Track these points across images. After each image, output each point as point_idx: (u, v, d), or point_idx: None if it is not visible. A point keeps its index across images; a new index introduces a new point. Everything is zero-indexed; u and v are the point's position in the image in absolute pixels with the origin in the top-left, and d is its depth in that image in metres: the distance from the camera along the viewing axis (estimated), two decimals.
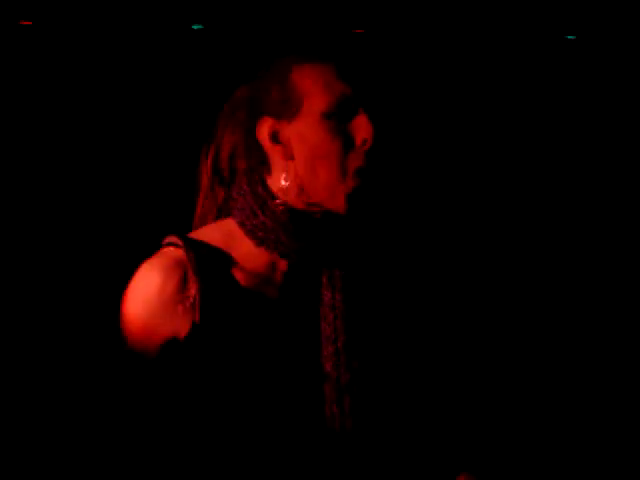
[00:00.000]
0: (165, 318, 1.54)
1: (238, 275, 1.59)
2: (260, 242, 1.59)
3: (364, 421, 1.57)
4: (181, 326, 1.54)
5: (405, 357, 1.65)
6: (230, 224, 1.64)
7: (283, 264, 1.60)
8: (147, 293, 1.55)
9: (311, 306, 1.59)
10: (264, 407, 1.54)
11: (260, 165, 1.64)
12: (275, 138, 1.60)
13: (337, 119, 1.56)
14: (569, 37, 2.94)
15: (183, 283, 1.55)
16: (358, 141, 1.56)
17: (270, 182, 1.62)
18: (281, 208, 1.59)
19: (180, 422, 1.55)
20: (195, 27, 2.76)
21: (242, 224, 1.61)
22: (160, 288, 1.55)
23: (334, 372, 1.56)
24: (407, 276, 1.70)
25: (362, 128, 1.55)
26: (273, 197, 1.60)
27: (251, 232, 1.60)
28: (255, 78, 1.67)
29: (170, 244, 1.60)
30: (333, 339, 1.57)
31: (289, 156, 1.59)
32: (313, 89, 1.56)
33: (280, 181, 1.60)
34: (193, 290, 1.55)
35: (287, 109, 1.58)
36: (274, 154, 1.61)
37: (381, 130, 1.56)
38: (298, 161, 1.58)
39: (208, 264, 1.56)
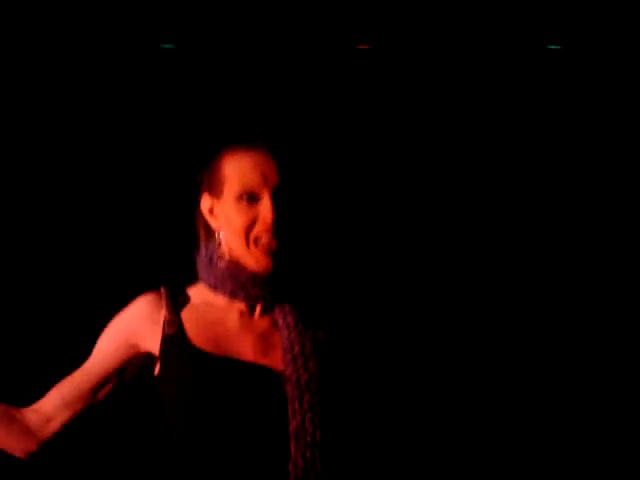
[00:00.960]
0: (140, 319, 2.02)
1: (202, 314, 2.02)
2: (213, 288, 2.01)
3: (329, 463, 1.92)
4: (148, 342, 2.01)
5: (363, 385, 2.00)
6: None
7: (241, 305, 2.00)
8: (128, 307, 2.04)
9: (268, 341, 2.00)
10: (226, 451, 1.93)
11: (207, 231, 2.04)
12: (211, 211, 2.01)
13: (247, 200, 1.94)
14: (552, 47, 2.98)
15: (153, 310, 2.02)
16: (261, 219, 1.93)
17: (214, 245, 2.02)
18: (220, 265, 1.99)
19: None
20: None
21: (201, 277, 2.03)
22: (137, 305, 2.03)
23: (293, 374, 1.95)
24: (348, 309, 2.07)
25: (264, 210, 1.93)
26: (216, 256, 2.00)
27: (205, 281, 2.02)
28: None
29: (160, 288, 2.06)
30: (289, 349, 1.97)
31: (220, 227, 2.00)
32: (231, 175, 1.96)
33: (220, 245, 2.01)
34: (161, 318, 2.00)
35: (217, 189, 1.98)
36: (211, 224, 2.02)
37: (290, 206, 1.95)
38: (224, 231, 1.99)
39: (179, 306, 2.01)
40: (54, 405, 2.02)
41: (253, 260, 1.95)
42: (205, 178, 2.02)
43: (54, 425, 2.01)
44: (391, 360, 2.09)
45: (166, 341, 1.98)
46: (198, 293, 2.04)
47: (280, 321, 1.98)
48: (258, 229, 1.94)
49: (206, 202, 2.02)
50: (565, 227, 3.04)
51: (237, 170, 1.95)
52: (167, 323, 1.98)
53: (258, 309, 2.00)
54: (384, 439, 2.04)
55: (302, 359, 1.93)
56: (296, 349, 1.94)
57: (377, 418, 2.02)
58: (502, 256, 3.03)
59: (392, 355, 2.09)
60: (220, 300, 2.01)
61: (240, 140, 1.99)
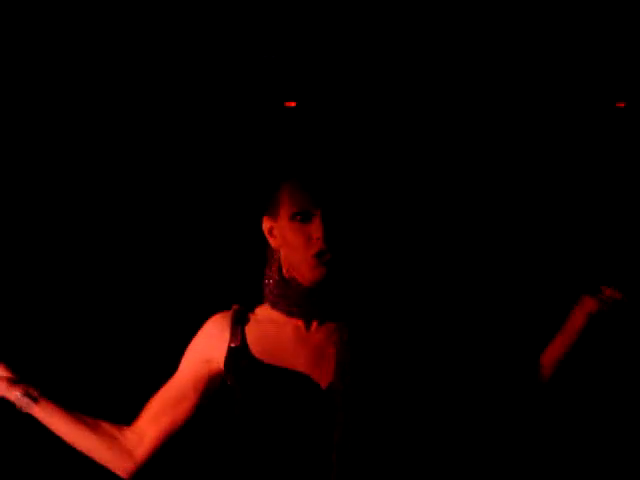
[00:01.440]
0: (211, 335, 2.23)
1: (263, 329, 2.20)
2: (273, 306, 2.20)
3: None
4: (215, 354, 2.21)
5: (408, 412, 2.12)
6: None
7: (297, 321, 2.17)
8: (203, 327, 2.26)
9: (322, 354, 2.15)
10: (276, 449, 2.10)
11: (271, 253, 2.22)
12: (271, 232, 2.20)
13: (300, 220, 2.12)
14: None
15: (222, 327, 2.22)
16: (313, 237, 2.11)
17: (277, 265, 2.20)
18: (279, 283, 2.17)
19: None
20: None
21: (265, 295, 2.21)
22: (209, 324, 2.24)
23: (342, 386, 2.09)
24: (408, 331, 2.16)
25: (315, 228, 2.11)
26: (279, 275, 2.19)
27: (267, 300, 2.21)
28: None
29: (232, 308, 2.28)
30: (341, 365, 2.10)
31: (279, 246, 2.18)
32: (285, 199, 2.15)
33: (278, 263, 2.19)
34: (228, 334, 2.20)
35: (274, 211, 2.18)
36: (271, 243, 2.20)
37: (340, 224, 2.10)
38: (282, 249, 2.18)
39: (245, 322, 2.21)
40: (145, 420, 2.24)
41: (308, 271, 2.11)
42: (266, 203, 2.21)
43: (147, 442, 2.22)
44: (440, 381, 2.15)
45: (230, 352, 2.17)
46: (263, 311, 2.22)
47: (334, 336, 2.13)
48: (310, 244, 2.10)
49: (266, 224, 2.21)
50: (568, 226, 3.05)
51: (290, 193, 2.14)
52: (231, 337, 2.18)
53: (314, 325, 2.16)
54: (423, 459, 2.13)
55: (351, 374, 2.08)
56: (346, 365, 2.09)
57: (417, 441, 2.12)
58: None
59: (441, 376, 2.15)
60: (279, 317, 2.19)
61: (294, 173, 2.17)
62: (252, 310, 2.22)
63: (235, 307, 2.22)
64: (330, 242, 2.08)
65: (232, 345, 2.15)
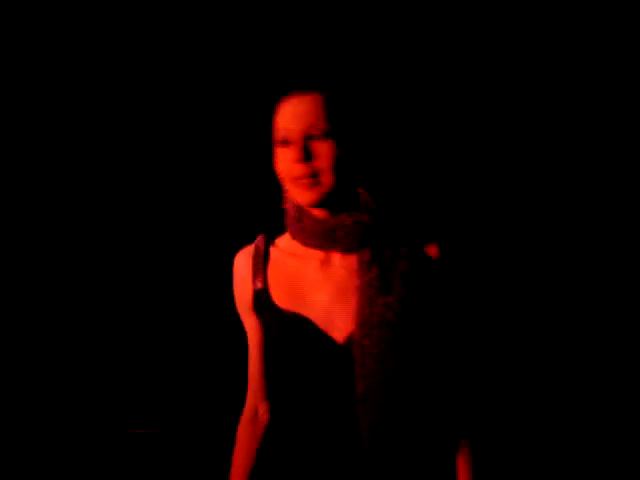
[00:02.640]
0: (240, 279, 2.10)
1: (284, 266, 2.05)
2: (293, 236, 2.06)
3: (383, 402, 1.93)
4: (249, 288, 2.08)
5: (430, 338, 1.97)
6: None
7: (319, 254, 2.02)
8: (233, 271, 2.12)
9: (346, 288, 1.99)
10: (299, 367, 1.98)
11: None
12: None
13: (283, 145, 1.99)
14: None
15: (246, 268, 2.08)
16: (293, 160, 1.97)
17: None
18: (294, 212, 2.05)
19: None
20: None
21: (286, 225, 2.08)
22: (235, 267, 2.11)
23: (361, 338, 1.93)
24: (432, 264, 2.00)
25: (293, 152, 1.97)
26: (293, 205, 2.05)
27: (288, 230, 2.07)
28: None
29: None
30: (361, 310, 1.95)
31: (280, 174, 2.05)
32: (275, 123, 2.01)
33: (285, 192, 2.05)
34: (251, 274, 2.06)
35: (273, 139, 2.04)
36: (278, 173, 2.05)
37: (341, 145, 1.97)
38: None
39: (267, 258, 2.07)
40: (253, 391, 2.12)
41: (298, 198, 1.99)
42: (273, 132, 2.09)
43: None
44: (462, 332, 1.99)
45: (255, 296, 2.04)
46: (284, 241, 2.08)
47: (359, 274, 1.96)
48: (292, 168, 1.98)
49: (275, 153, 2.06)
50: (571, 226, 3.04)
51: (278, 118, 2.00)
52: (254, 279, 2.05)
53: (336, 257, 2.00)
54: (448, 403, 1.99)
55: (370, 327, 1.92)
56: (366, 313, 1.93)
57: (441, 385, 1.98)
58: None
59: (464, 327, 1.99)
60: (300, 248, 2.04)
61: (290, 88, 2.01)
62: (273, 241, 2.08)
63: (258, 239, 2.08)
64: (312, 166, 1.94)
65: (256, 289, 2.03)
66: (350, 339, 1.92)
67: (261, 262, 2.04)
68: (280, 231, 2.11)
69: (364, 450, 1.92)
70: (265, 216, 2.20)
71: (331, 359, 1.93)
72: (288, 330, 1.96)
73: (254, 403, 2.10)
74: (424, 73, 2.97)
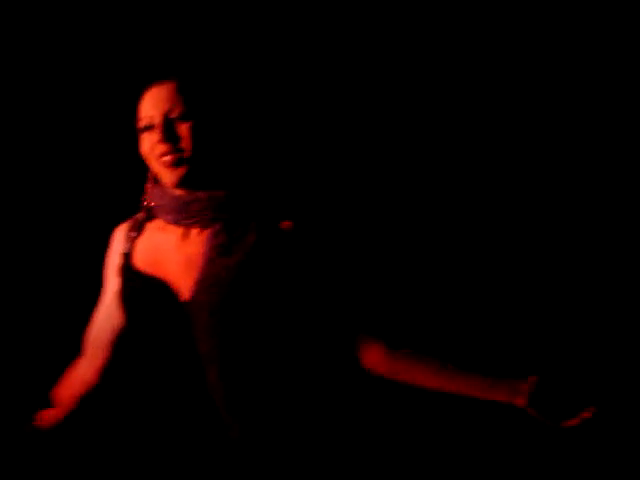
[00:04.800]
0: (114, 245, 2.26)
1: (151, 237, 2.21)
2: (157, 214, 2.20)
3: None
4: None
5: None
6: None
7: (178, 229, 2.16)
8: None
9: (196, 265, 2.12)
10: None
11: None
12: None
13: (147, 130, 2.13)
14: None
15: (120, 236, 2.25)
16: (155, 141, 2.11)
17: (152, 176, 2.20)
18: (154, 192, 2.19)
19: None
20: None
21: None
22: (113, 236, 2.27)
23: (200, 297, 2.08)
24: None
25: (156, 133, 2.11)
26: (153, 185, 2.19)
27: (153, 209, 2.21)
28: None
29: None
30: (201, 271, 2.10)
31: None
32: (140, 111, 2.15)
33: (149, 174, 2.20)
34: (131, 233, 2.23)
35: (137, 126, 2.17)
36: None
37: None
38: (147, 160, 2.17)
39: (141, 231, 2.22)
40: (86, 351, 2.29)
41: (162, 176, 2.13)
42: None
43: (98, 367, 2.27)
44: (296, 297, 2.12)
45: (121, 257, 2.21)
46: (158, 220, 2.22)
47: (207, 242, 2.12)
48: (155, 148, 2.12)
49: (140, 142, 2.19)
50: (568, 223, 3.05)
51: (141, 106, 2.15)
52: (124, 244, 2.22)
53: (194, 232, 2.15)
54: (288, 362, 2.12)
55: (206, 284, 2.08)
56: (203, 274, 2.09)
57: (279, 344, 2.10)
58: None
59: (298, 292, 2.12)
60: (166, 225, 2.19)
61: (148, 81, 2.17)
62: (152, 219, 2.23)
63: (138, 214, 2.25)
64: (174, 144, 2.09)
65: (123, 251, 2.21)
66: (191, 297, 2.08)
67: (135, 233, 2.22)
68: None
69: (220, 411, 2.07)
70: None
71: (176, 318, 2.09)
72: (141, 291, 2.13)
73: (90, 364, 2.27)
74: (276, 52, 3.05)
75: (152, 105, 2.13)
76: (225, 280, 2.07)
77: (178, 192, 2.15)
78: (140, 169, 2.22)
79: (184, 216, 2.14)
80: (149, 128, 2.13)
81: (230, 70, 2.89)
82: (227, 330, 2.07)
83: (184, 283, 2.12)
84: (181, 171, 2.11)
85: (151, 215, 2.22)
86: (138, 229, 2.23)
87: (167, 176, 2.12)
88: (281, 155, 2.92)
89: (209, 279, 2.08)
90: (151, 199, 2.20)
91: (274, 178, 2.25)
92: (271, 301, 2.09)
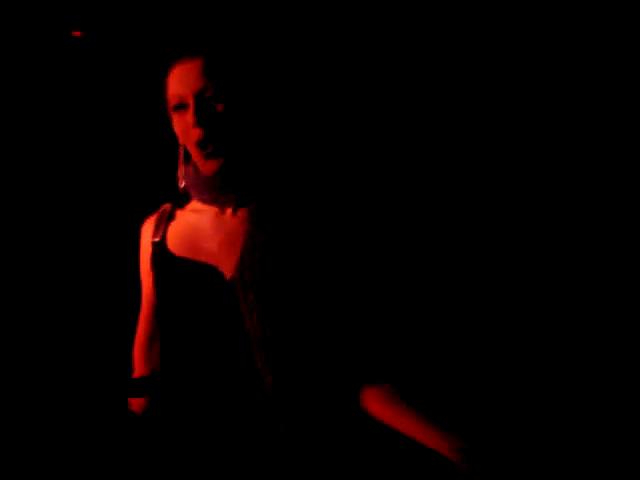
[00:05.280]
0: (144, 240, 2.18)
1: (185, 221, 2.13)
2: (192, 196, 2.13)
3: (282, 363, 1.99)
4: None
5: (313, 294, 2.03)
6: None
7: (214, 208, 2.10)
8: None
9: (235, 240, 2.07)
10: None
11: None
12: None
13: (179, 110, 2.02)
14: None
15: (148, 228, 2.17)
16: (190, 124, 2.00)
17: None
18: (189, 173, 2.10)
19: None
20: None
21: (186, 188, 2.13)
22: (144, 226, 2.19)
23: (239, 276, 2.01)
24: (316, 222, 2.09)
25: (190, 116, 2.00)
26: (188, 166, 2.10)
27: (188, 191, 2.13)
28: None
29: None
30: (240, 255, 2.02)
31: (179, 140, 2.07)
32: (168, 90, 2.03)
33: (181, 157, 2.11)
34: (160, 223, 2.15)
35: (168, 106, 2.06)
36: (178, 139, 2.09)
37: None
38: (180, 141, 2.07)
39: (171, 219, 2.15)
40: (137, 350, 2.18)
41: (199, 165, 2.05)
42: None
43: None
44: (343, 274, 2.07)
45: (153, 248, 2.12)
46: (190, 204, 2.16)
47: (246, 220, 2.06)
48: (190, 133, 2.02)
49: (172, 122, 2.09)
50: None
51: (170, 84, 2.03)
52: (154, 233, 2.14)
53: (228, 211, 2.09)
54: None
55: (249, 262, 2.00)
56: (245, 252, 2.01)
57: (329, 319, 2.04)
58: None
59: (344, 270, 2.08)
60: (199, 205, 2.12)
61: (179, 55, 2.05)
62: (182, 206, 2.17)
63: (164, 206, 2.19)
64: (209, 129, 1.99)
65: (153, 241, 2.13)
66: (234, 277, 2.01)
67: (164, 222, 2.15)
68: None
69: (267, 393, 1.98)
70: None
71: (221, 298, 2.02)
72: (180, 274, 2.06)
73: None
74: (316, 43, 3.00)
75: (183, 83, 2.01)
76: (268, 257, 2.01)
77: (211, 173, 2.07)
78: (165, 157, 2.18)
79: (220, 196, 2.08)
80: (180, 108, 2.02)
81: (259, 48, 2.77)
82: (273, 309, 2.00)
83: (226, 262, 2.05)
84: (218, 162, 2.04)
85: (183, 199, 2.16)
86: (168, 218, 2.16)
87: (204, 165, 2.04)
88: (303, 137, 2.90)
89: (252, 256, 2.02)
90: (184, 179, 2.12)
91: (299, 159, 2.22)
92: (310, 278, 2.03)
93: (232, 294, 2.02)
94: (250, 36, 2.80)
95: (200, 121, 1.99)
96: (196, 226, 2.11)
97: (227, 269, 2.04)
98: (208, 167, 2.04)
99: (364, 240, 2.10)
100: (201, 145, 2.01)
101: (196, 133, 2.00)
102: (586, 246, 3.00)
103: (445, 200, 3.04)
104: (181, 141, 2.07)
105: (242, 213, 2.08)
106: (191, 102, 1.99)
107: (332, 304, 2.04)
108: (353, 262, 2.08)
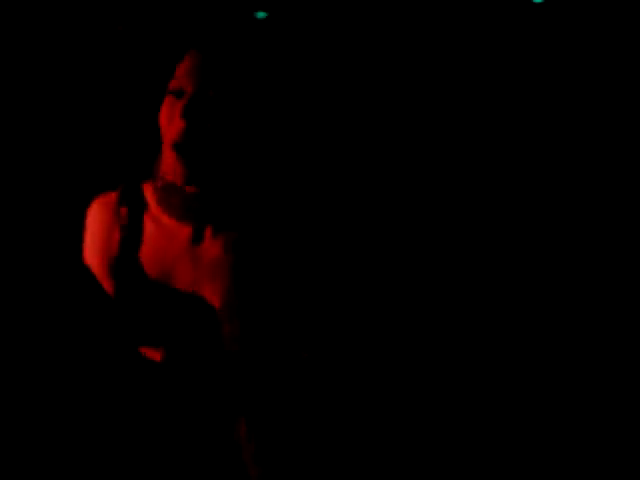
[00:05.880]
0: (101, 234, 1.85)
1: (153, 230, 1.84)
2: (159, 202, 1.84)
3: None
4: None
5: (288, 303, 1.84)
6: None
7: (189, 227, 1.82)
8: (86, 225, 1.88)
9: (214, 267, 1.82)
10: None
11: None
12: None
13: (175, 96, 1.77)
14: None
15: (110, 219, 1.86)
16: (177, 114, 1.76)
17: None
18: (165, 179, 1.82)
19: None
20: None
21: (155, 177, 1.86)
22: (91, 221, 1.88)
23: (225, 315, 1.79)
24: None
25: (181, 105, 1.76)
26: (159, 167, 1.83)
27: (157, 191, 1.85)
28: None
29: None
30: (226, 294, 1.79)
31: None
32: (176, 71, 1.79)
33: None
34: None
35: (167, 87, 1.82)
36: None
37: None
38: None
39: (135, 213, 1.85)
40: None
41: (167, 161, 1.79)
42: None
43: None
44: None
45: (122, 246, 1.85)
46: (152, 199, 1.87)
47: (225, 249, 1.82)
48: (173, 126, 1.78)
49: (163, 103, 1.85)
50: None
51: (180, 67, 1.80)
52: (115, 222, 1.86)
53: (207, 233, 1.84)
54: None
55: (238, 290, 1.79)
56: (233, 280, 1.79)
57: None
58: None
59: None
60: (165, 217, 1.85)
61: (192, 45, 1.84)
62: (138, 194, 1.87)
63: (122, 188, 1.88)
64: (194, 127, 1.74)
65: (124, 235, 1.84)
66: (224, 308, 1.80)
67: (134, 209, 1.86)
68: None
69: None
70: None
71: (203, 332, 1.81)
72: (153, 300, 1.80)
73: None
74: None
75: (192, 70, 1.77)
76: (256, 284, 1.79)
77: (190, 189, 1.82)
78: None
79: (198, 215, 1.82)
80: (176, 93, 1.78)
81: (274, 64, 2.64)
82: (257, 335, 1.81)
83: (209, 290, 1.82)
84: (189, 170, 1.77)
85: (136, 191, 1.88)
86: (139, 206, 1.87)
87: (171, 162, 1.78)
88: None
89: (240, 284, 1.79)
90: (158, 193, 1.85)
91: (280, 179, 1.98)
92: (293, 300, 1.83)
93: (214, 325, 1.82)
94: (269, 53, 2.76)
95: (188, 113, 1.75)
96: (167, 246, 1.84)
97: (212, 297, 1.82)
98: (178, 170, 1.77)
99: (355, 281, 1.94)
100: (179, 139, 1.76)
101: (180, 125, 1.76)
102: (586, 246, 3.01)
103: (439, 206, 3.03)
104: (163, 128, 1.80)
105: (223, 237, 1.84)
106: (190, 91, 1.76)
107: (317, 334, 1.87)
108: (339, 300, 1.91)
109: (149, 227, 1.84)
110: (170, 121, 1.77)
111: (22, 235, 2.80)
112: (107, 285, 1.84)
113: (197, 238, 1.83)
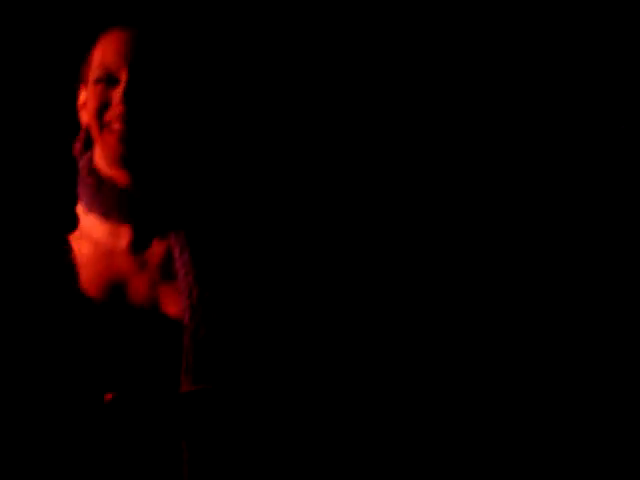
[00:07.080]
0: None
1: (90, 246, 1.68)
2: (88, 210, 1.69)
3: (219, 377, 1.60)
4: None
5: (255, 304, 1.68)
6: None
7: (128, 231, 1.67)
8: None
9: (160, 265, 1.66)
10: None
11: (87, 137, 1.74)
12: (84, 105, 1.71)
13: (105, 83, 1.65)
14: None
15: None
16: (114, 101, 1.64)
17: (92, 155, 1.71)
18: (91, 176, 1.69)
19: None
20: None
21: (79, 196, 1.72)
22: None
23: (191, 324, 1.62)
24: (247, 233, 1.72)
25: (118, 91, 1.64)
26: (90, 167, 1.70)
27: (82, 202, 1.71)
28: None
29: None
30: (187, 294, 1.64)
31: (84, 123, 1.70)
32: (95, 58, 1.68)
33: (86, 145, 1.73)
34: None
35: (85, 77, 1.69)
36: (82, 119, 1.72)
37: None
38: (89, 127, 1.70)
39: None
40: None
41: (105, 148, 1.65)
42: (82, 70, 1.74)
43: None
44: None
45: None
46: (83, 218, 1.71)
47: (176, 255, 1.66)
48: (111, 112, 1.64)
49: (81, 96, 1.73)
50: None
51: (100, 52, 1.67)
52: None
53: (151, 234, 1.68)
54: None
55: (202, 308, 1.63)
56: (195, 296, 1.63)
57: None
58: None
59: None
60: (103, 226, 1.69)
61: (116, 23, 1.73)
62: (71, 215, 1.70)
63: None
64: (137, 110, 1.62)
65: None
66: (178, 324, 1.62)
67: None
68: None
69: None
70: None
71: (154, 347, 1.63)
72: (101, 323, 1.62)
73: None
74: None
75: (117, 53, 1.65)
76: (218, 295, 1.63)
77: (123, 180, 1.66)
78: None
79: (136, 214, 1.66)
80: (105, 81, 1.65)
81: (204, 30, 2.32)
82: (220, 347, 1.62)
83: (166, 301, 1.67)
84: (133, 143, 1.63)
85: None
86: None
87: (112, 148, 1.63)
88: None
89: (202, 298, 1.63)
90: (84, 190, 1.69)
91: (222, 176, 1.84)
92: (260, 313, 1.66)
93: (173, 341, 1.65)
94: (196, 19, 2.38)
95: (129, 99, 1.62)
96: (108, 257, 1.67)
97: (170, 311, 1.65)
98: (113, 151, 1.63)
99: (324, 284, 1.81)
100: (118, 125, 1.64)
101: (118, 109, 1.63)
102: (586, 246, 3.00)
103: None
104: (91, 119, 1.67)
105: (164, 243, 1.69)
106: (124, 76, 1.63)
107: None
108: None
109: (85, 248, 1.69)
110: (103, 111, 1.66)
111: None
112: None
113: (140, 243, 1.68)
